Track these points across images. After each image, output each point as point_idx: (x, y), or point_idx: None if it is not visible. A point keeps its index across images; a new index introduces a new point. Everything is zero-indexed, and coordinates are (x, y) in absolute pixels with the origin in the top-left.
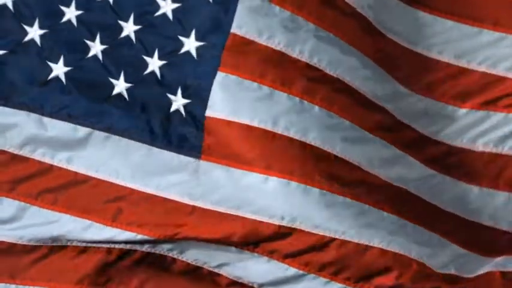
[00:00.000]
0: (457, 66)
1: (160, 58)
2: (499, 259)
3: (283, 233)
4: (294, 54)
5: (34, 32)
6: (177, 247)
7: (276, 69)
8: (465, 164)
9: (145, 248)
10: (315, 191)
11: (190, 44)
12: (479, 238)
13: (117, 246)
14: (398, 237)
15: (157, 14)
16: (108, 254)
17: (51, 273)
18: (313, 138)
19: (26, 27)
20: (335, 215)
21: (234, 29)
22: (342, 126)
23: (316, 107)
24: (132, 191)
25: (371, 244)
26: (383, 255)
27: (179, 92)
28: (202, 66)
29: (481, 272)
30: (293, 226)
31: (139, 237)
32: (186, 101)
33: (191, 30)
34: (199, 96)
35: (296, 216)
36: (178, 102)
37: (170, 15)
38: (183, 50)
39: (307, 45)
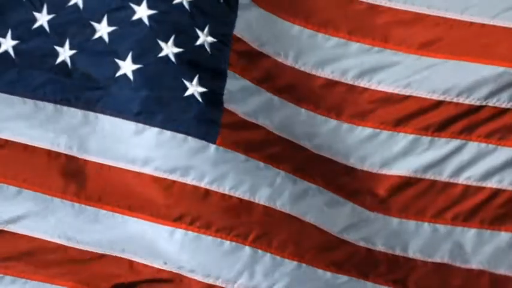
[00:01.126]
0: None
1: (176, 45)
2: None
3: None
4: (280, 58)
5: (43, 18)
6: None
7: (272, 76)
8: None
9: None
10: None
11: (204, 38)
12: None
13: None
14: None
15: (175, 2)
16: None
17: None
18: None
19: (35, 14)
20: None
21: (236, 32)
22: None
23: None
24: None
25: None
26: None
27: (196, 80)
28: (215, 62)
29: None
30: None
31: None
32: (203, 89)
33: (205, 25)
34: (215, 87)
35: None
36: (194, 88)
37: (187, 6)
38: (198, 43)
39: (294, 50)
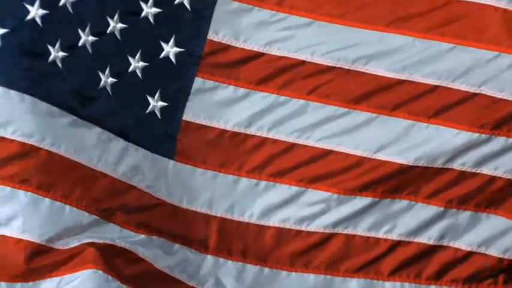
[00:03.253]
0: None
1: (142, 60)
2: None
3: None
4: (273, 52)
5: (35, 12)
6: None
7: (253, 69)
8: None
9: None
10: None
11: (170, 50)
12: None
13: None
14: None
15: (141, 16)
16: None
17: None
18: (286, 135)
19: (27, 6)
20: None
21: (210, 35)
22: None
23: (294, 100)
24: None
25: None
26: None
27: (157, 94)
28: (181, 72)
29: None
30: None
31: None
32: (164, 103)
33: (171, 36)
34: (177, 100)
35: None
36: (155, 103)
37: (151, 19)
38: (162, 55)
39: (287, 41)
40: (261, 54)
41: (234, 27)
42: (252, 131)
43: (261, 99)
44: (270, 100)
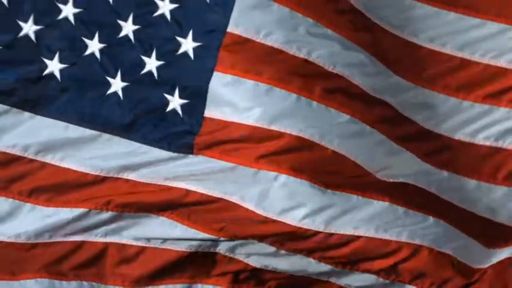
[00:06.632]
0: (460, 58)
1: (158, 58)
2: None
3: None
4: (292, 51)
5: (28, 28)
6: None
7: (273, 66)
8: (464, 157)
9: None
10: (306, 184)
11: (188, 45)
12: (478, 228)
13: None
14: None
15: (155, 14)
16: None
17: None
18: (311, 135)
19: (20, 23)
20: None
21: (230, 28)
22: (341, 121)
23: (314, 103)
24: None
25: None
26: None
27: (176, 92)
28: (199, 67)
29: (486, 265)
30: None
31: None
32: (184, 101)
33: (188, 31)
34: (197, 96)
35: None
36: (175, 102)
37: (168, 16)
38: (180, 51)
39: (306, 42)
40: (281, 51)
41: (255, 21)
42: (272, 127)
43: (282, 96)
44: (290, 98)
